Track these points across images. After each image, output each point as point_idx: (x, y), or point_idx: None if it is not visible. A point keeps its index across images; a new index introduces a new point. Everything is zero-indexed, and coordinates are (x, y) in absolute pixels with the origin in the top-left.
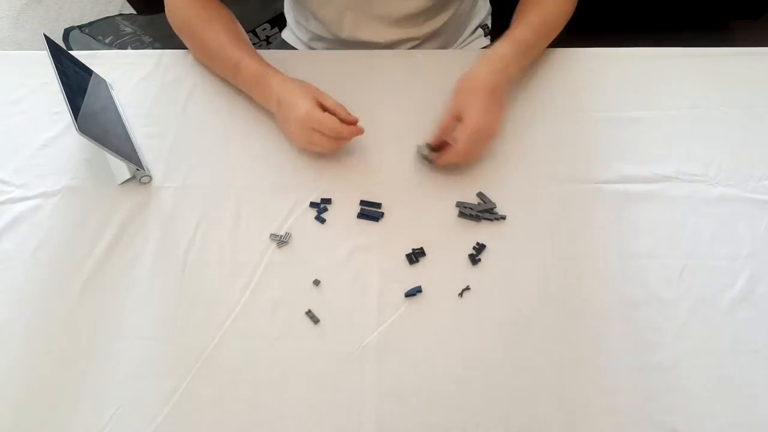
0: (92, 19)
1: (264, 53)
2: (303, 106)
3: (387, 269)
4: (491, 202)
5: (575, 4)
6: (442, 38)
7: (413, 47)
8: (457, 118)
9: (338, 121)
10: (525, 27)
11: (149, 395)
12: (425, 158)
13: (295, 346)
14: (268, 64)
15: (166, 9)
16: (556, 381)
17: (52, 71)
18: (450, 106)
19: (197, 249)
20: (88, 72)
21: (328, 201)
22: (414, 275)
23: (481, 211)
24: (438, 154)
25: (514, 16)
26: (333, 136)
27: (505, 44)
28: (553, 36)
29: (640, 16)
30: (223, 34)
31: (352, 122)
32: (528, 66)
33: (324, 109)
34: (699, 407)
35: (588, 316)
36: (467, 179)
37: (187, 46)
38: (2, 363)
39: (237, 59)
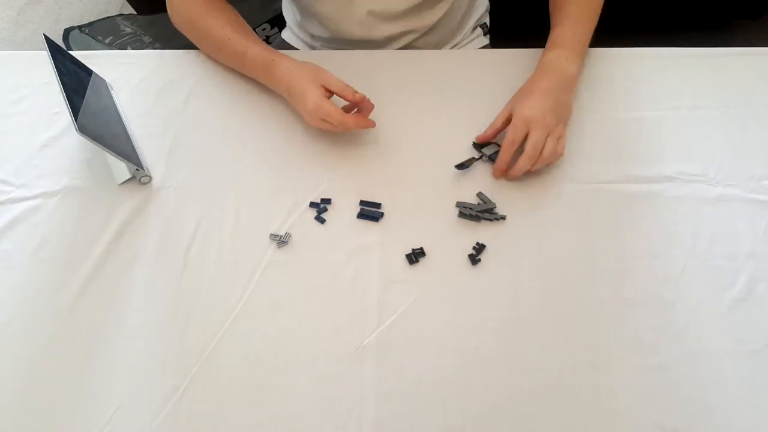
0: (92, 20)
1: None
2: (310, 97)
3: (387, 269)
4: (491, 202)
5: None
6: (439, 33)
7: (411, 42)
8: (508, 121)
9: (344, 114)
10: (566, 21)
11: (149, 395)
12: (484, 158)
13: (295, 346)
14: (274, 51)
15: (168, 8)
16: (556, 381)
17: (52, 71)
18: (501, 111)
19: (197, 249)
20: (88, 72)
21: (328, 201)
22: (414, 275)
23: (481, 211)
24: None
25: (552, 10)
26: (340, 128)
27: (553, 46)
28: (597, 15)
29: (641, 16)
30: (227, 25)
31: (359, 101)
32: (584, 53)
33: (331, 93)
34: (699, 407)
35: (588, 316)
36: (467, 179)
37: (193, 41)
38: (2, 363)
39: (243, 49)
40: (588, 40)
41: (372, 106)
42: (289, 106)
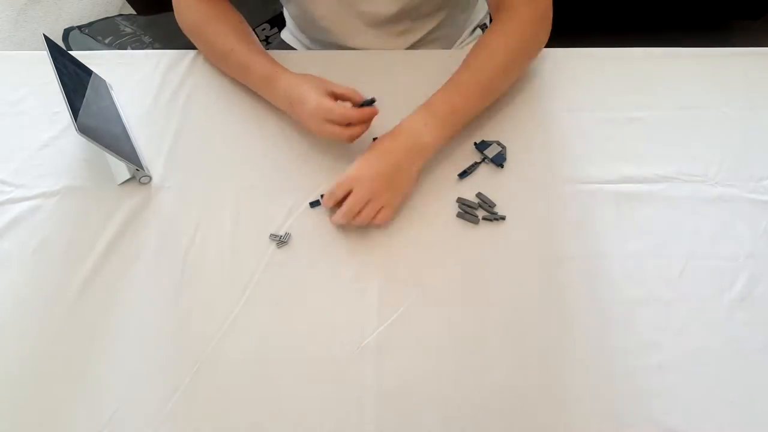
0: (92, 20)
1: None
2: (312, 99)
3: (387, 269)
4: (491, 201)
5: (536, 50)
6: (440, 42)
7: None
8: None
9: (348, 107)
10: (448, 85)
11: (149, 395)
12: (486, 160)
13: (295, 345)
14: (277, 64)
15: (175, 11)
16: (556, 381)
17: (52, 71)
18: (336, 186)
19: (197, 249)
20: (88, 72)
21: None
22: (414, 275)
23: (481, 209)
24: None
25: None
26: (344, 122)
27: (420, 108)
28: (489, 90)
29: (640, 16)
30: (232, 35)
31: (360, 102)
32: (455, 124)
33: (336, 97)
34: (699, 407)
35: (588, 316)
36: (467, 179)
37: (197, 47)
38: (2, 363)
39: (247, 61)
40: (468, 112)
41: (377, 112)
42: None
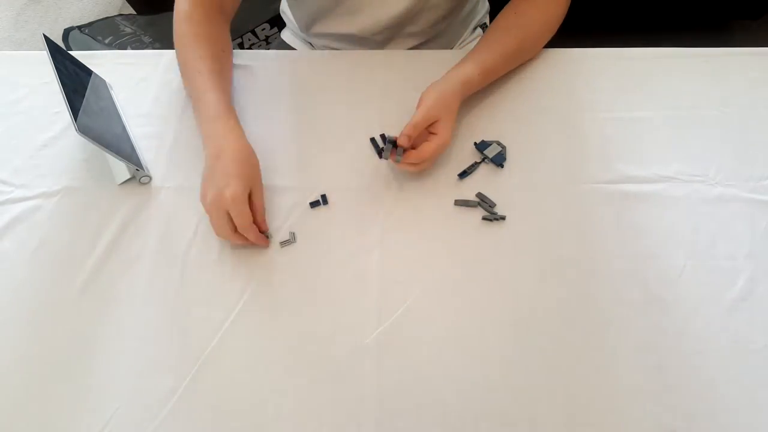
0: (92, 20)
1: (264, 53)
2: (235, 186)
3: (387, 269)
4: (491, 201)
5: (558, 25)
6: (442, 40)
7: (413, 47)
8: (429, 129)
9: (252, 224)
10: (497, 52)
11: (149, 395)
12: (388, 153)
13: (295, 345)
14: (232, 109)
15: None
16: (556, 381)
17: (52, 71)
18: (428, 114)
19: (197, 249)
20: (88, 72)
21: (327, 201)
22: (414, 275)
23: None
24: (402, 155)
25: (495, 24)
26: (237, 231)
27: (475, 66)
28: (523, 60)
29: (640, 16)
30: (204, 58)
31: (263, 230)
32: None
33: (249, 201)
34: (699, 407)
35: (588, 317)
36: (467, 179)
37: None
38: (2, 363)
39: (205, 88)
40: (497, 77)
41: (266, 245)
42: (291, 107)
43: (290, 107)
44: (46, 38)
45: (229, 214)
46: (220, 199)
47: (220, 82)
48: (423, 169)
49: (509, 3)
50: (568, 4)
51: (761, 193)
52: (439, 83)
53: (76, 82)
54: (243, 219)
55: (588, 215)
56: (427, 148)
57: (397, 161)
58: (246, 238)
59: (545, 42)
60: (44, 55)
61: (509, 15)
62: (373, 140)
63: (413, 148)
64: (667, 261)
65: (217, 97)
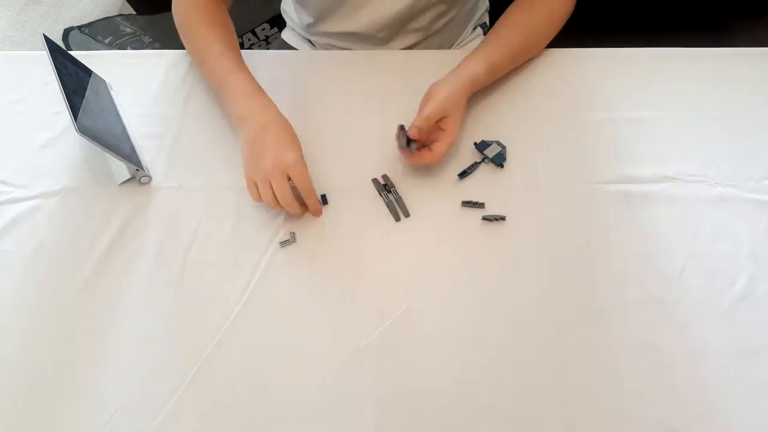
0: (92, 20)
1: (264, 53)
2: (295, 151)
3: (387, 269)
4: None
5: (563, 22)
6: (442, 37)
7: (414, 44)
8: (438, 124)
9: (314, 188)
10: (504, 47)
11: (149, 395)
12: (403, 144)
13: (295, 346)
14: (261, 87)
15: (173, 8)
16: (556, 381)
17: (52, 71)
18: (441, 107)
19: (197, 249)
20: (88, 72)
21: (327, 201)
22: (414, 275)
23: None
24: (417, 150)
25: (501, 21)
26: (290, 200)
27: (482, 64)
28: (528, 56)
29: (640, 16)
30: (222, 41)
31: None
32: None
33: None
34: (699, 407)
35: (588, 317)
36: (467, 179)
37: (185, 45)
38: (2, 363)
39: (233, 68)
40: (503, 74)
41: (319, 213)
42: (291, 107)
43: (290, 107)
44: (46, 38)
45: (286, 181)
46: (282, 162)
47: (243, 64)
48: (432, 164)
49: (515, 0)
50: (575, 2)
51: (761, 193)
52: (448, 79)
53: (76, 82)
54: (306, 182)
55: (588, 215)
56: (440, 148)
57: (412, 151)
58: (298, 206)
59: (550, 39)
60: (44, 55)
61: (515, 11)
62: (374, 180)
63: (422, 139)
64: (667, 261)
65: (246, 76)
